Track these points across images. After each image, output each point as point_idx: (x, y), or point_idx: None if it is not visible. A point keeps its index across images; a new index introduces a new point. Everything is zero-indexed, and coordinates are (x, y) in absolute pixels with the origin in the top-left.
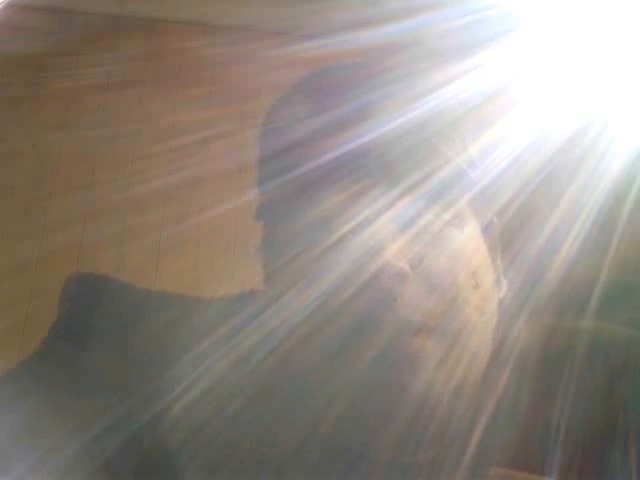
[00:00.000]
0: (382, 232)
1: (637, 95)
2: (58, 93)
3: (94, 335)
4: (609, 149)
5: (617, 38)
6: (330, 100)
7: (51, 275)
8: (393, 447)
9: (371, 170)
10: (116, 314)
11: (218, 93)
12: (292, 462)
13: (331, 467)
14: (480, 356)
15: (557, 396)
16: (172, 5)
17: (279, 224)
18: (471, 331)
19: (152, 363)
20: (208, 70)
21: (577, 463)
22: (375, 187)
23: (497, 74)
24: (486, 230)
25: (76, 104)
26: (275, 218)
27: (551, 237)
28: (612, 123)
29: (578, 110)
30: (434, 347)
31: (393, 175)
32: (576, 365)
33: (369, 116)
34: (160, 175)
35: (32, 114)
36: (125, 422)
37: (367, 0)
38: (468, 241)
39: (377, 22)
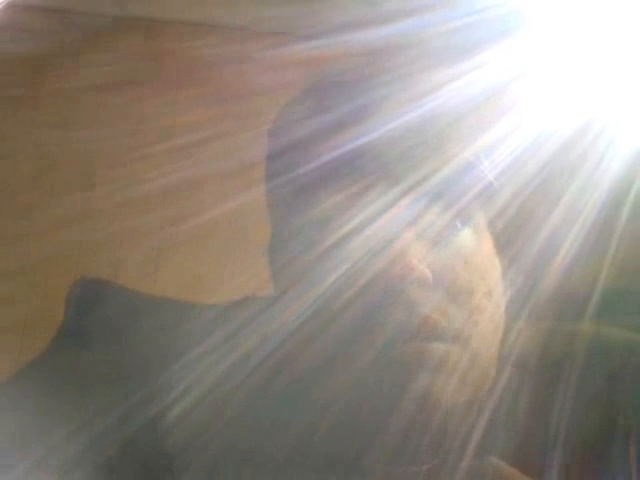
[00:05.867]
0: (388, 232)
1: (637, 95)
2: (58, 93)
3: (94, 336)
4: (609, 149)
5: (618, 38)
6: (333, 100)
7: (51, 275)
8: (390, 455)
9: (375, 169)
10: (116, 315)
11: (218, 93)
12: (289, 466)
13: (328, 472)
14: (487, 360)
15: (557, 398)
16: (172, 5)
17: (284, 224)
18: (478, 335)
19: (153, 364)
20: (208, 70)
21: (577, 465)
22: (380, 186)
23: (497, 75)
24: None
25: (76, 104)
26: (280, 218)
27: (550, 239)
28: (612, 123)
29: (579, 110)
30: (439, 351)
31: (397, 174)
32: (576, 367)
33: (373, 115)
34: (160, 175)
35: (32, 114)
36: (125, 423)
37: (367, 0)
38: (472, 241)
39: (377, 22)
